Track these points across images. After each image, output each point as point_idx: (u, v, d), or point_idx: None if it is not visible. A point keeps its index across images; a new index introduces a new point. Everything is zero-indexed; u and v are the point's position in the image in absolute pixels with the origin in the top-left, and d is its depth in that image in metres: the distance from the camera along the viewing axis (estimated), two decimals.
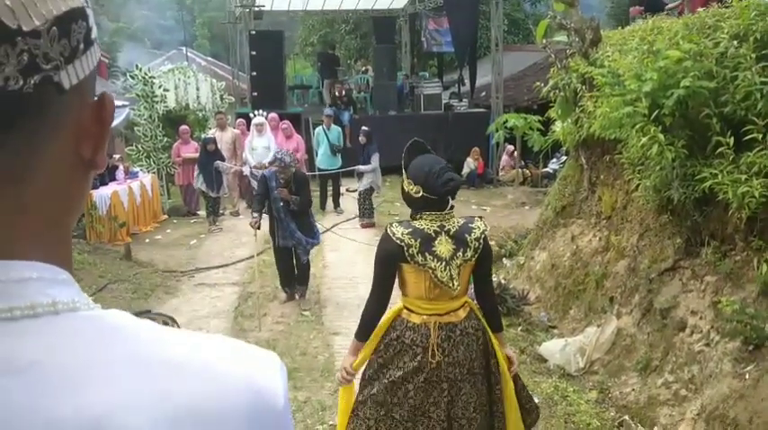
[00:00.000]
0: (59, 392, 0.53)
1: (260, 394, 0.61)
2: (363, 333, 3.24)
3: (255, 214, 6.81)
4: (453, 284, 3.05)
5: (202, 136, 12.32)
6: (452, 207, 3.14)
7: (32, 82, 0.54)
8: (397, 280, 3.18)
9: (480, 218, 3.24)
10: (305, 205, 6.93)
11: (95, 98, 0.62)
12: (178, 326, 6.04)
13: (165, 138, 12.89)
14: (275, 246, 7.11)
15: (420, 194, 3.07)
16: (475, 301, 3.34)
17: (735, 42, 4.38)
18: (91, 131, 0.61)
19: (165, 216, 12.15)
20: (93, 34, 0.60)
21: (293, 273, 7.23)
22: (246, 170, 11.20)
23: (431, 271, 3.03)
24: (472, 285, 3.28)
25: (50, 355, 0.54)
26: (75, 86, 0.58)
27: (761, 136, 4.03)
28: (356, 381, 3.36)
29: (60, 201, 0.61)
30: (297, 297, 7.29)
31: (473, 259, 3.11)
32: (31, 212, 0.57)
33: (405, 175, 3.17)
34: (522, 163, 14.75)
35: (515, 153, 14.37)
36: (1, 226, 0.56)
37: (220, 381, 0.60)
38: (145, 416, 0.54)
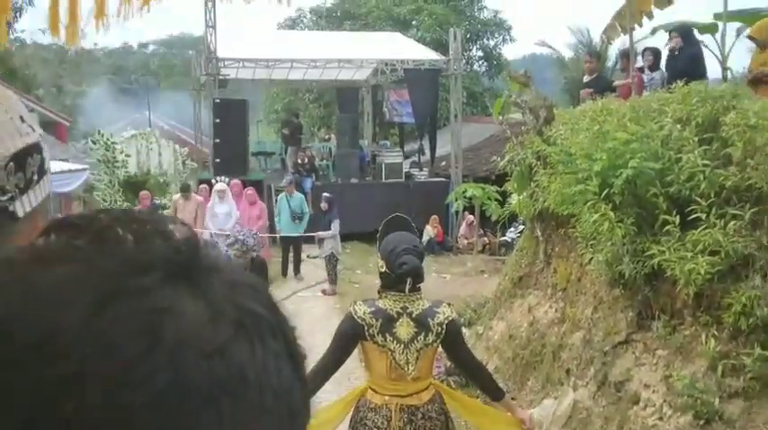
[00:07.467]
0: None
1: None
2: None
3: None
4: (409, 368, 3.01)
5: (163, 201, 12.28)
6: (418, 289, 3.11)
7: None
8: (363, 360, 3.16)
9: (449, 304, 3.20)
10: None
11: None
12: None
13: (125, 204, 12.80)
14: None
15: (383, 269, 3.10)
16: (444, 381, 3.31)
17: (678, 126, 4.63)
18: None
19: None
20: (47, 165, 0.63)
21: None
22: (207, 236, 11.16)
23: (389, 352, 3.01)
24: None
25: None
26: (27, 213, 0.59)
27: (705, 215, 4.23)
28: None
29: None
30: None
31: (434, 344, 3.06)
32: None
33: (378, 248, 3.20)
34: (482, 231, 15.01)
35: (474, 223, 14.63)
36: None
37: None
38: None
